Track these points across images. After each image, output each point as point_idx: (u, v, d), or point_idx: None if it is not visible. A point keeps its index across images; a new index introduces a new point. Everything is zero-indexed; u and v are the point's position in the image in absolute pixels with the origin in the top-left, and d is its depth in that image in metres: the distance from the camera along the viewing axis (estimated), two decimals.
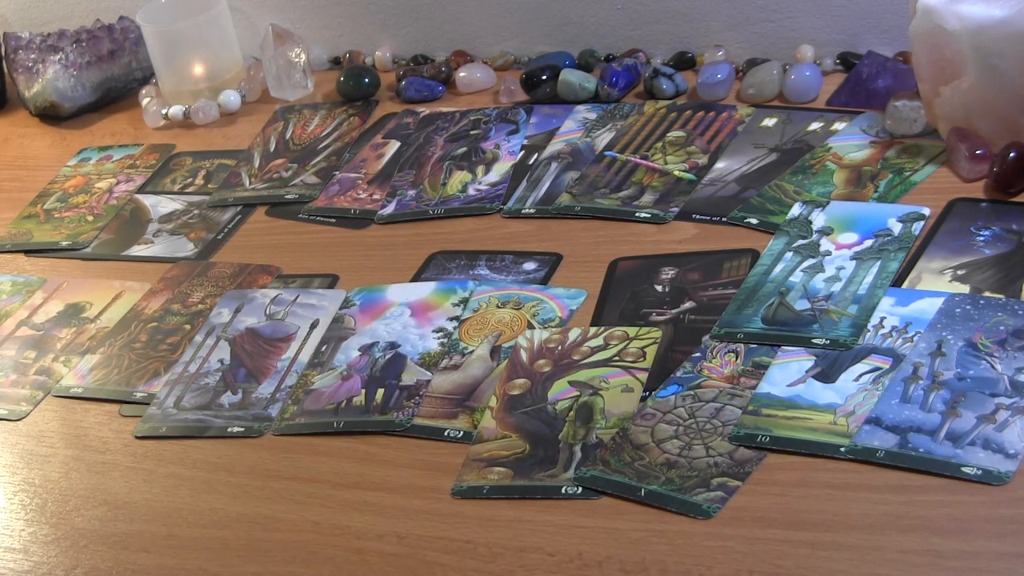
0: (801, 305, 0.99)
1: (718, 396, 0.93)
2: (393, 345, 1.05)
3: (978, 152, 1.08)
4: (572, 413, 0.94)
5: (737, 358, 0.96)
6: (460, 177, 1.26)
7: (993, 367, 0.89)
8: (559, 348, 1.01)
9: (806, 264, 1.03)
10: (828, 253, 1.03)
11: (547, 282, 1.10)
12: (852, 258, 1.02)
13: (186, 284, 1.19)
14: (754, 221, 1.10)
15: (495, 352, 1.02)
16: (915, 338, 0.93)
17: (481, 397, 0.98)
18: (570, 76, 1.33)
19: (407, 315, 1.09)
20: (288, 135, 1.40)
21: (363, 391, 1.01)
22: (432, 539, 0.87)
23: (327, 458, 0.96)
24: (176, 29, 1.45)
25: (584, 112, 1.31)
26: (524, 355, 1.01)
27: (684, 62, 1.36)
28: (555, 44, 1.43)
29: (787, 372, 0.93)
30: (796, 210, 1.09)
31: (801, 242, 1.05)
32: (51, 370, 1.12)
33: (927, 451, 0.84)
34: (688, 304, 1.03)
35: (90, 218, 1.33)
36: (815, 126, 1.21)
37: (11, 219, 1.36)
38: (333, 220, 1.25)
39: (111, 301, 1.19)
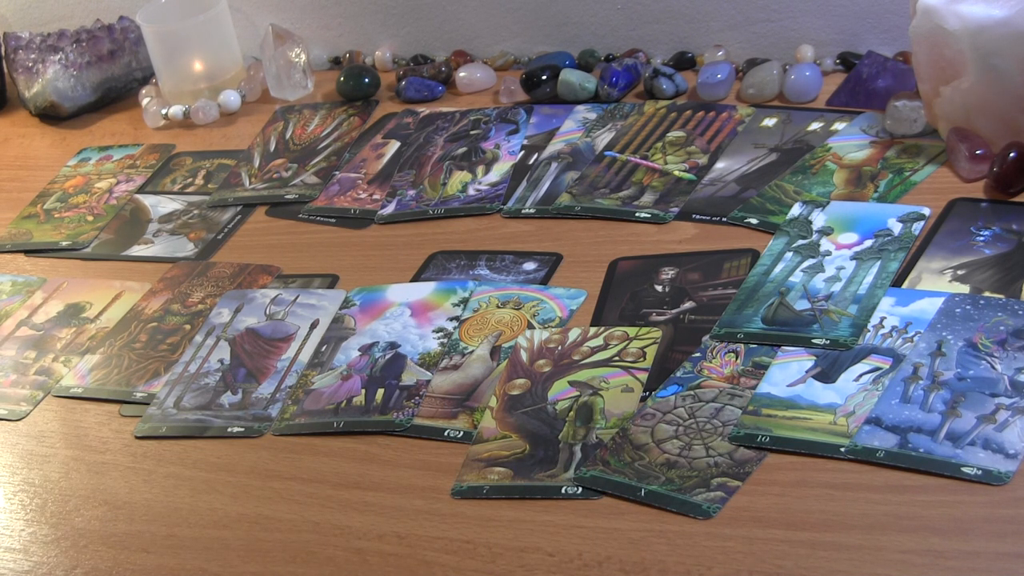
0: (801, 305, 0.99)
1: (718, 396, 0.93)
2: (393, 345, 1.05)
3: (978, 152, 1.08)
4: (572, 413, 0.94)
5: (737, 358, 0.96)
6: (460, 177, 1.26)
7: (993, 367, 0.89)
8: (559, 348, 1.01)
9: (806, 264, 1.03)
10: (828, 253, 1.03)
11: (547, 282, 1.10)
12: (852, 258, 1.02)
13: (186, 284, 1.19)
14: (754, 221, 1.10)
15: (495, 352, 1.02)
16: (915, 338, 0.93)
17: (481, 397, 0.98)
18: (570, 76, 1.33)
19: (407, 315, 1.09)
20: (288, 135, 1.40)
21: (363, 391, 1.01)
22: (432, 539, 0.87)
23: (327, 458, 0.96)
24: (176, 29, 1.45)
25: (584, 112, 1.31)
26: (524, 355, 1.01)
27: (684, 62, 1.36)
28: (555, 44, 1.43)
29: (787, 372, 0.93)
30: (796, 210, 1.09)
31: (801, 242, 1.05)
32: (51, 370, 1.12)
33: (927, 451, 0.84)
34: (688, 304, 1.03)
35: (90, 218, 1.33)
36: (815, 126, 1.21)
37: (11, 219, 1.36)
38: (333, 220, 1.25)
39: (111, 301, 1.19)
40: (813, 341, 0.95)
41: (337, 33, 1.53)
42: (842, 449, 0.86)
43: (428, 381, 1.01)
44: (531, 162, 1.26)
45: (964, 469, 0.82)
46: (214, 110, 1.47)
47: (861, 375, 0.91)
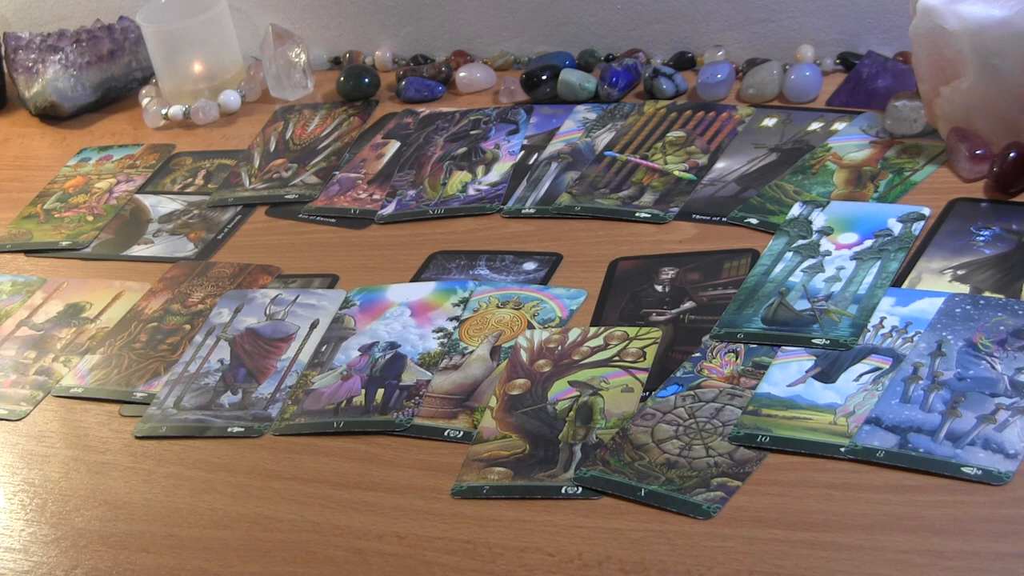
0: (801, 305, 0.99)
1: (718, 396, 0.93)
2: (393, 345, 1.05)
3: (978, 152, 1.08)
4: (572, 413, 0.94)
5: (737, 358, 0.96)
6: (460, 177, 1.26)
7: (993, 367, 0.89)
8: (559, 348, 1.01)
9: (806, 264, 1.03)
10: (828, 253, 1.03)
11: (547, 282, 1.10)
12: (852, 258, 1.02)
13: (186, 284, 1.19)
14: (754, 221, 1.10)
15: (495, 352, 1.02)
16: (915, 338, 0.93)
17: (481, 397, 0.98)
18: (570, 76, 1.33)
19: (407, 315, 1.09)
20: (288, 135, 1.40)
21: (363, 391, 1.01)
22: (432, 539, 0.87)
23: (327, 458, 0.96)
24: (176, 29, 1.45)
25: (584, 112, 1.31)
26: (524, 355, 1.01)
27: (684, 62, 1.36)
28: (555, 44, 1.43)
29: (787, 372, 0.93)
30: (796, 210, 1.09)
31: (801, 242, 1.05)
32: (51, 370, 1.12)
33: (927, 451, 0.84)
34: (688, 304, 1.03)
35: (90, 218, 1.33)
36: (815, 126, 1.21)
37: (11, 219, 1.36)
38: (333, 220, 1.25)
39: (111, 301, 1.19)
40: (813, 341, 0.95)
41: (337, 33, 1.53)
42: (842, 449, 0.86)
43: (428, 381, 1.01)
44: (531, 162, 1.26)
45: (964, 469, 0.82)
46: (214, 110, 1.47)
47: (861, 375, 0.91)
